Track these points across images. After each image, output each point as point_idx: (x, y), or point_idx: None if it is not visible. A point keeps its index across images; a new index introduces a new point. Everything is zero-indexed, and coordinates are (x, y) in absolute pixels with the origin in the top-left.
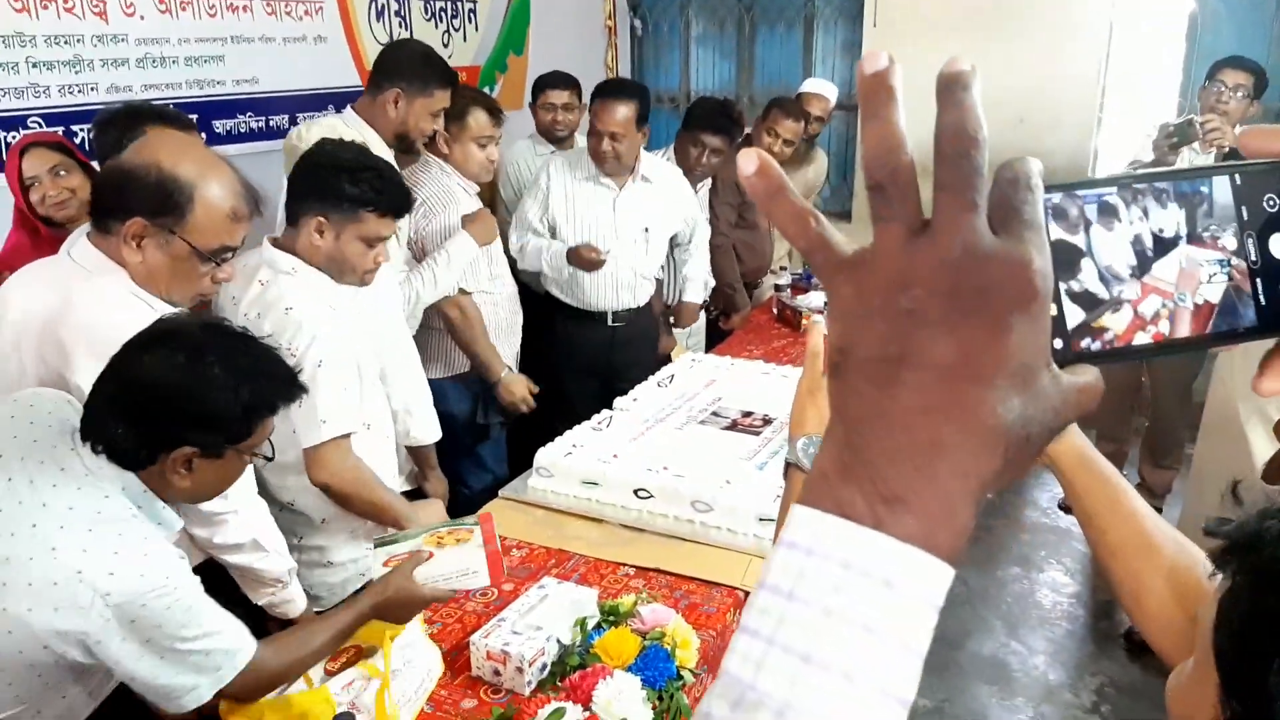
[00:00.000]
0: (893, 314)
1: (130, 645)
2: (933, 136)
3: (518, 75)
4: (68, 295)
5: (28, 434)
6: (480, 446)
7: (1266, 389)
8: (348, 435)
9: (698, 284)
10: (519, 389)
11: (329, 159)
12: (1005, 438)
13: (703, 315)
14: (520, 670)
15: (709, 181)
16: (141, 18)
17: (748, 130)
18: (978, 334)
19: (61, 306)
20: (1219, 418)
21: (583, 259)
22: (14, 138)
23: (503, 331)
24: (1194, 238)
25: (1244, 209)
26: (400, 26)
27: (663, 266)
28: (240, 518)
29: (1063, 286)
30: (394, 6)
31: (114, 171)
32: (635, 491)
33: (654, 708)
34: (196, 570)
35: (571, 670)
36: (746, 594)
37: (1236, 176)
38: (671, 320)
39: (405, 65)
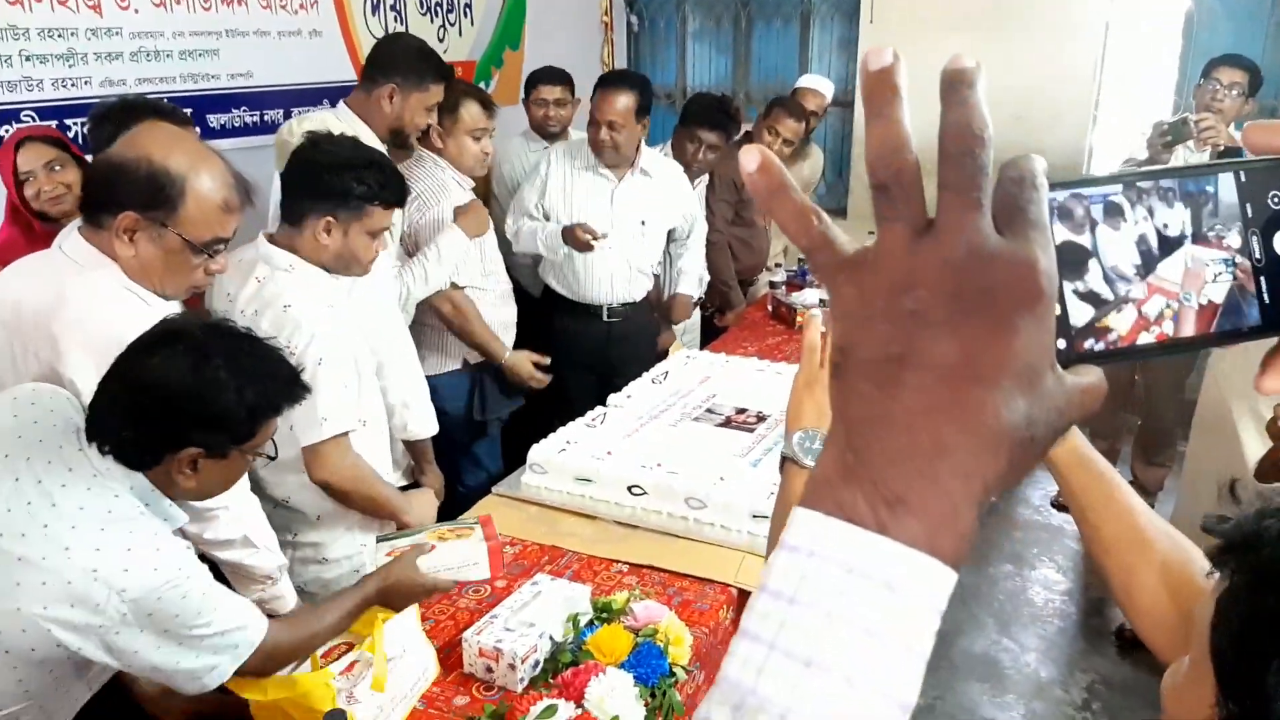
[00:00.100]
0: (896, 314)
1: (149, 636)
2: (931, 135)
3: (513, 71)
4: (60, 290)
5: (32, 434)
6: (475, 444)
7: (1268, 387)
8: (347, 433)
9: (692, 277)
10: (524, 367)
11: (329, 157)
12: (1009, 439)
13: (698, 312)
14: (513, 667)
15: (706, 178)
16: (136, 11)
17: (747, 128)
18: (982, 335)
19: (54, 301)
20: (1211, 416)
21: (577, 239)
22: (7, 131)
23: (497, 328)
24: (1199, 237)
25: (1248, 206)
26: (396, 21)
27: (660, 263)
28: (231, 514)
29: (1067, 286)
30: (389, 1)
31: (104, 165)
32: (629, 488)
33: (646, 705)
34: None
35: (564, 667)
36: (740, 591)
37: (1241, 173)
38: (665, 314)
39: (400, 60)
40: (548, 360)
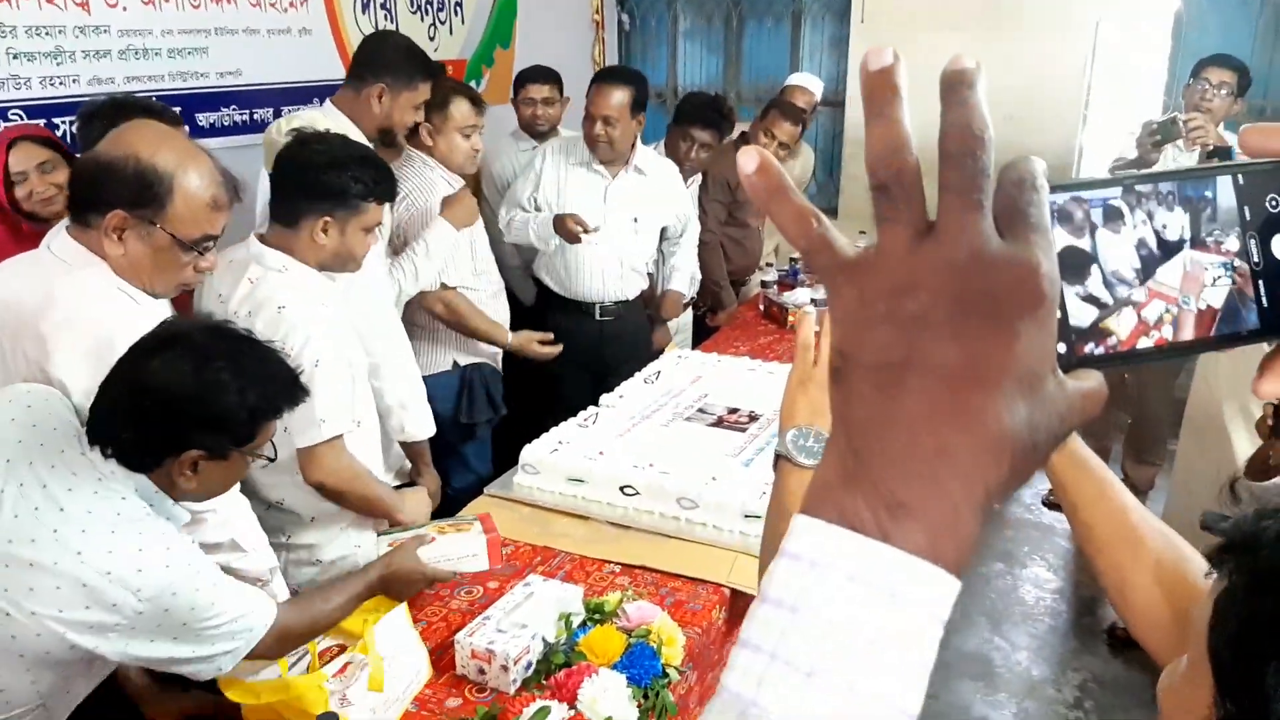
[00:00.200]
0: (897, 317)
1: (166, 631)
2: (925, 135)
3: (504, 69)
4: (49, 289)
5: (32, 438)
6: (465, 445)
7: (1266, 391)
8: (341, 434)
9: (684, 275)
10: (531, 346)
11: (322, 156)
12: (1011, 445)
13: (690, 312)
14: (505, 669)
15: (700, 177)
16: (124, 9)
17: (742, 129)
18: (985, 339)
19: (43, 301)
20: (1202, 414)
21: (567, 229)
22: None
23: None
24: (1198, 240)
25: (1246, 210)
26: (386, 19)
27: (655, 260)
28: (219, 517)
29: (1067, 290)
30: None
31: (91, 164)
32: (621, 488)
33: (639, 706)
34: None
35: (557, 668)
36: (732, 591)
37: (1239, 176)
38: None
39: (390, 60)
40: (551, 335)
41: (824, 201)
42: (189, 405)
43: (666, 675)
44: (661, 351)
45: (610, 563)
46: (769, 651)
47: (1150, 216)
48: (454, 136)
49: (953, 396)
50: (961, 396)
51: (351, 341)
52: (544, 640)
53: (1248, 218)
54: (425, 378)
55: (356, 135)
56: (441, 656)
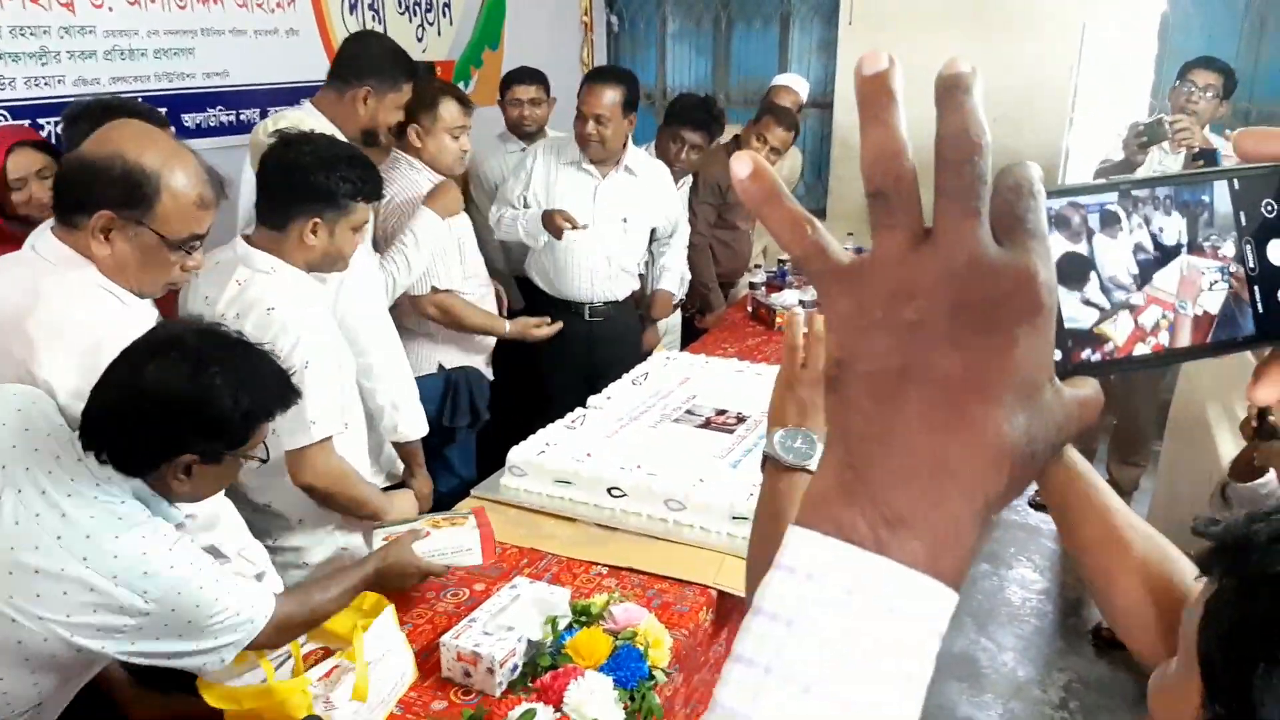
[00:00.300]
0: (895, 326)
1: (173, 630)
2: (911, 136)
3: (493, 71)
4: (35, 289)
5: (25, 442)
6: (447, 449)
7: (1262, 397)
8: (331, 436)
9: (674, 274)
10: (528, 331)
11: (309, 158)
12: (1010, 455)
13: (678, 314)
14: (491, 671)
15: (690, 179)
16: (110, 9)
17: (735, 131)
18: (984, 347)
19: (28, 300)
20: (1187, 415)
21: (555, 223)
22: None
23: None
24: (1194, 245)
25: (1242, 214)
26: (374, 20)
27: (645, 260)
28: (197, 523)
29: (1064, 296)
30: (368, 0)
31: (77, 165)
32: (608, 490)
33: (626, 708)
34: None
35: (543, 671)
36: (719, 593)
37: (1235, 181)
38: (646, 311)
39: (375, 62)
40: (547, 319)
41: (812, 203)
42: (185, 409)
43: (653, 677)
44: (651, 353)
45: (597, 564)
46: (764, 665)
47: (1147, 221)
48: (443, 138)
49: (952, 405)
50: (961, 405)
51: (340, 343)
52: (530, 642)
53: (1243, 223)
54: None
55: (339, 137)
56: (427, 659)
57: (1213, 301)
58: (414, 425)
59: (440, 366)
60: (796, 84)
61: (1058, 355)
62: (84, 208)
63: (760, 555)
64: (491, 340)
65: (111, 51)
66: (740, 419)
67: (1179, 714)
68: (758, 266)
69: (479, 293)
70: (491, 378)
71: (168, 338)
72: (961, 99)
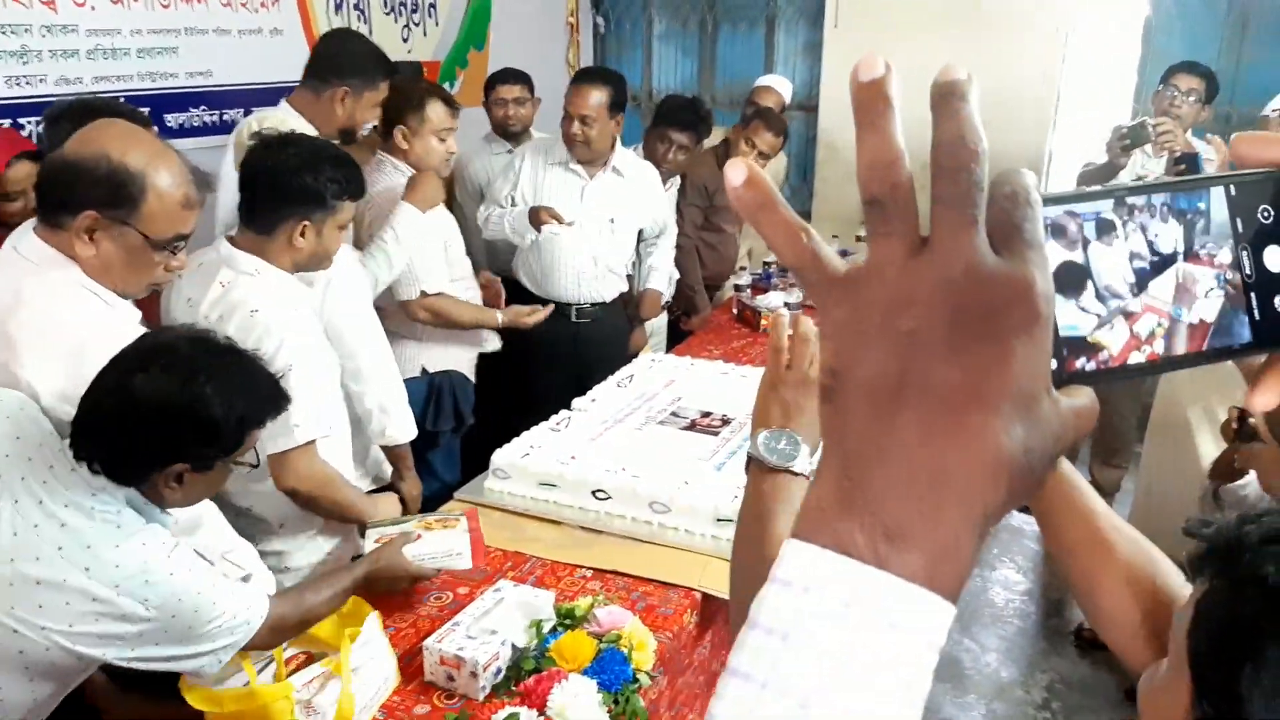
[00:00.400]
0: (892, 335)
1: (173, 636)
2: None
3: (478, 71)
4: (17, 290)
5: (18, 451)
6: (430, 453)
7: (1260, 404)
8: (314, 439)
9: (662, 274)
10: (520, 320)
11: (295, 160)
12: (1008, 467)
13: (664, 315)
14: (474, 675)
15: (678, 181)
16: (92, 8)
17: (725, 134)
18: (981, 357)
19: (11, 301)
20: (1167, 418)
21: (540, 219)
22: None
23: (466, 333)
24: (1190, 253)
25: (1239, 221)
26: (359, 20)
27: (633, 261)
28: (177, 528)
29: (1059, 305)
30: (353, 0)
31: (61, 165)
32: (593, 493)
33: (610, 711)
34: None
35: (526, 674)
36: (704, 595)
37: (1231, 187)
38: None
39: (354, 61)
40: (538, 306)
41: (798, 205)
42: (177, 419)
43: (637, 680)
44: (638, 354)
45: (581, 567)
46: (760, 681)
47: (1143, 229)
48: (430, 140)
49: (950, 415)
50: (959, 415)
51: (324, 345)
52: (514, 646)
53: (1240, 230)
54: None
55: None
56: (410, 663)
57: (1209, 309)
58: (403, 428)
59: (424, 370)
60: (780, 85)
61: (1052, 364)
62: (68, 208)
63: (744, 557)
64: (477, 345)
65: (94, 51)
66: (725, 421)
67: (1168, 715)
68: (743, 269)
69: (465, 295)
70: (475, 381)
71: (157, 345)
72: (958, 106)
